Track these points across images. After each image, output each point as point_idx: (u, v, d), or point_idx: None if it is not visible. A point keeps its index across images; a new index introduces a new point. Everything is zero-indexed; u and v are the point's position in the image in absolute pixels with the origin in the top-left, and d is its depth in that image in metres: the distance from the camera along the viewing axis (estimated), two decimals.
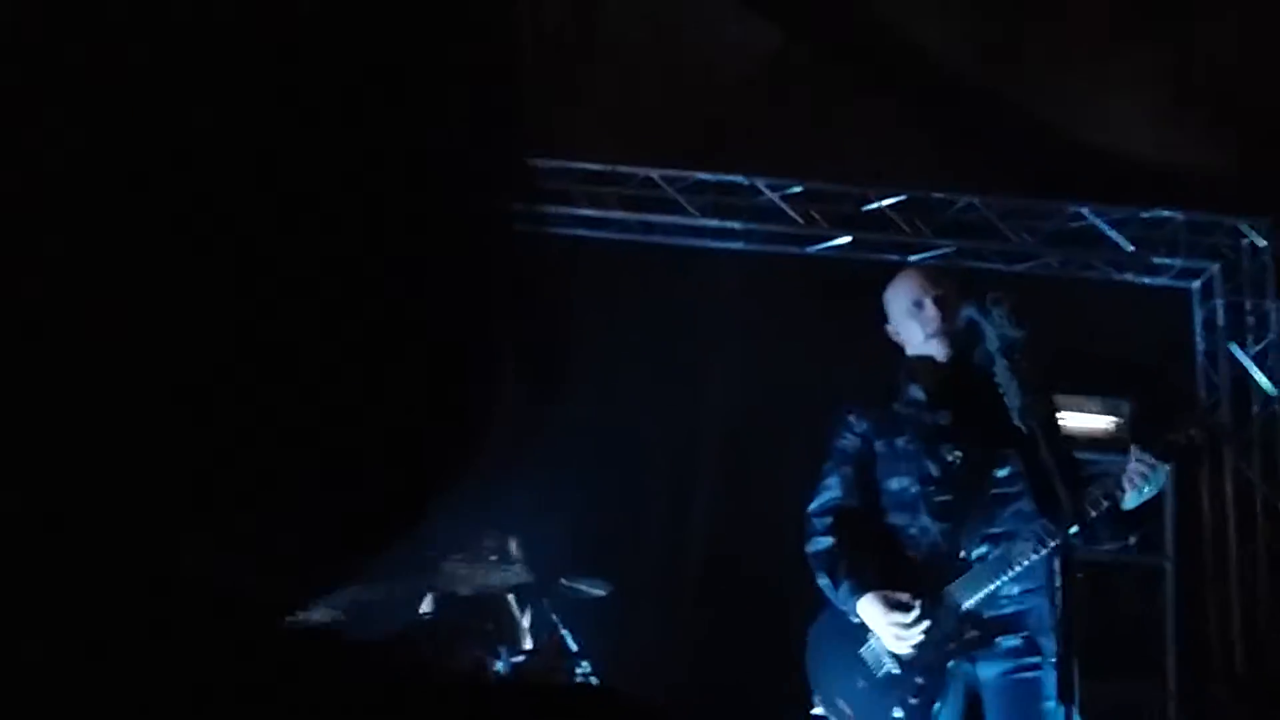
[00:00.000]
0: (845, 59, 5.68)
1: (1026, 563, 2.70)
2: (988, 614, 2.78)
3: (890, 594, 2.84)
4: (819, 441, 5.94)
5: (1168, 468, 2.60)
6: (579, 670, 4.72)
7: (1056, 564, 2.83)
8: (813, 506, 3.05)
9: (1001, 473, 2.80)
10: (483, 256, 0.39)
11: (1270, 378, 6.35)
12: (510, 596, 4.91)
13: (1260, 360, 6.42)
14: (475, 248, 0.39)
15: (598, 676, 4.74)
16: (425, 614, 4.82)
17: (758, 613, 5.86)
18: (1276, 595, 6.09)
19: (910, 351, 3.02)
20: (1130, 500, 2.61)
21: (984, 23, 5.44)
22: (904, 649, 2.77)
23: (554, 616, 4.77)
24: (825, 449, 3.06)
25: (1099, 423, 5.77)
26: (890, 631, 2.79)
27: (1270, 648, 6.03)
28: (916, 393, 2.96)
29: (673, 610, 6.01)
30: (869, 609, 2.86)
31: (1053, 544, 2.50)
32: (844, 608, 2.92)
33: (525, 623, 4.90)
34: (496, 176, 0.40)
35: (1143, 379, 6.17)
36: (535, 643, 4.79)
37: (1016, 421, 2.59)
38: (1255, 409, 6.39)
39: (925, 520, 2.84)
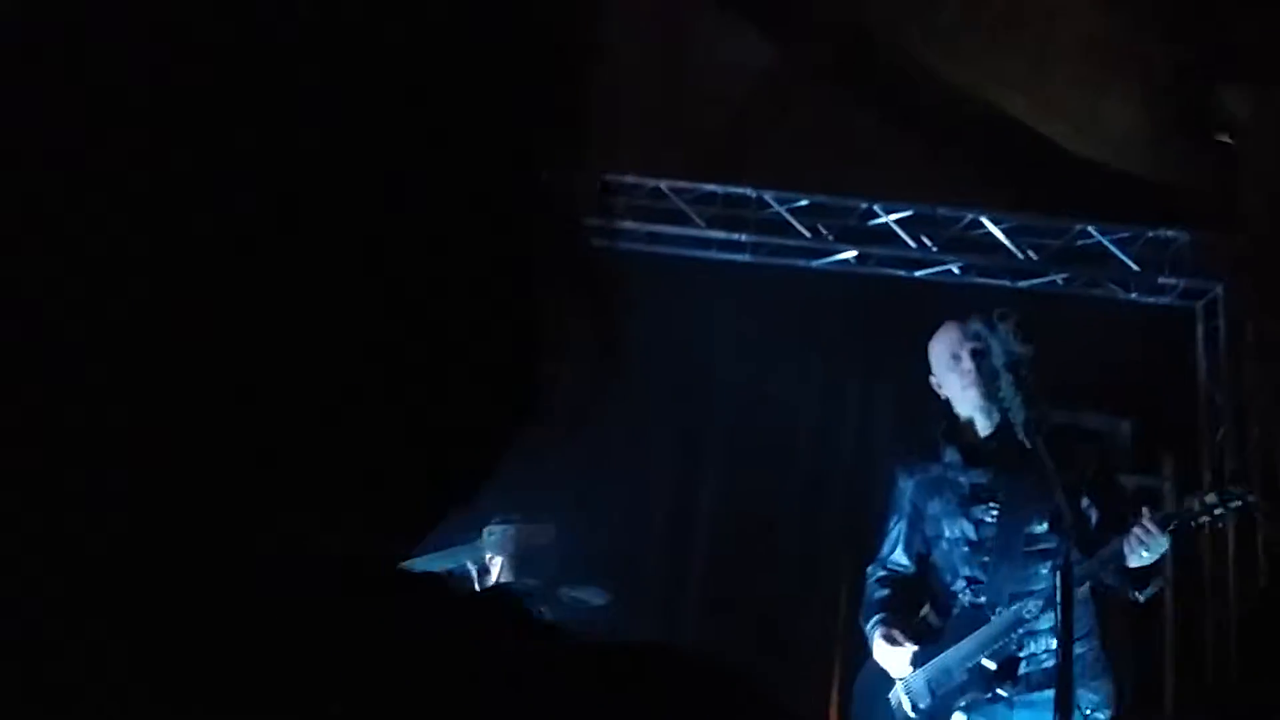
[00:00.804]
0: (852, 74, 5.72)
1: (1031, 618, 2.74)
2: (1026, 669, 2.80)
3: (892, 631, 2.92)
4: (821, 455, 6.01)
5: (1168, 537, 2.62)
6: None
7: (1089, 604, 2.87)
8: (873, 564, 3.13)
9: (1039, 529, 2.84)
10: (568, 265, 0.42)
11: (1273, 398, 6.36)
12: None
13: (1263, 380, 6.43)
14: (565, 259, 0.42)
15: None
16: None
17: (759, 624, 5.88)
18: (1273, 615, 6.10)
19: (952, 405, 3.05)
20: (1134, 561, 2.64)
21: (991, 40, 5.47)
22: (902, 673, 2.85)
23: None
24: (886, 503, 3.15)
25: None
26: (891, 665, 2.89)
27: (1266, 670, 6.04)
28: (953, 455, 3.01)
29: (673, 622, 6.01)
30: (877, 640, 2.95)
31: (1059, 601, 2.52)
32: (869, 644, 3.01)
33: None
34: (581, 196, 0.44)
35: (1144, 399, 6.19)
36: None
37: (1021, 437, 2.62)
38: (1256, 429, 6.41)
39: (962, 580, 2.91)
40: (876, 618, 3.01)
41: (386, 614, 0.37)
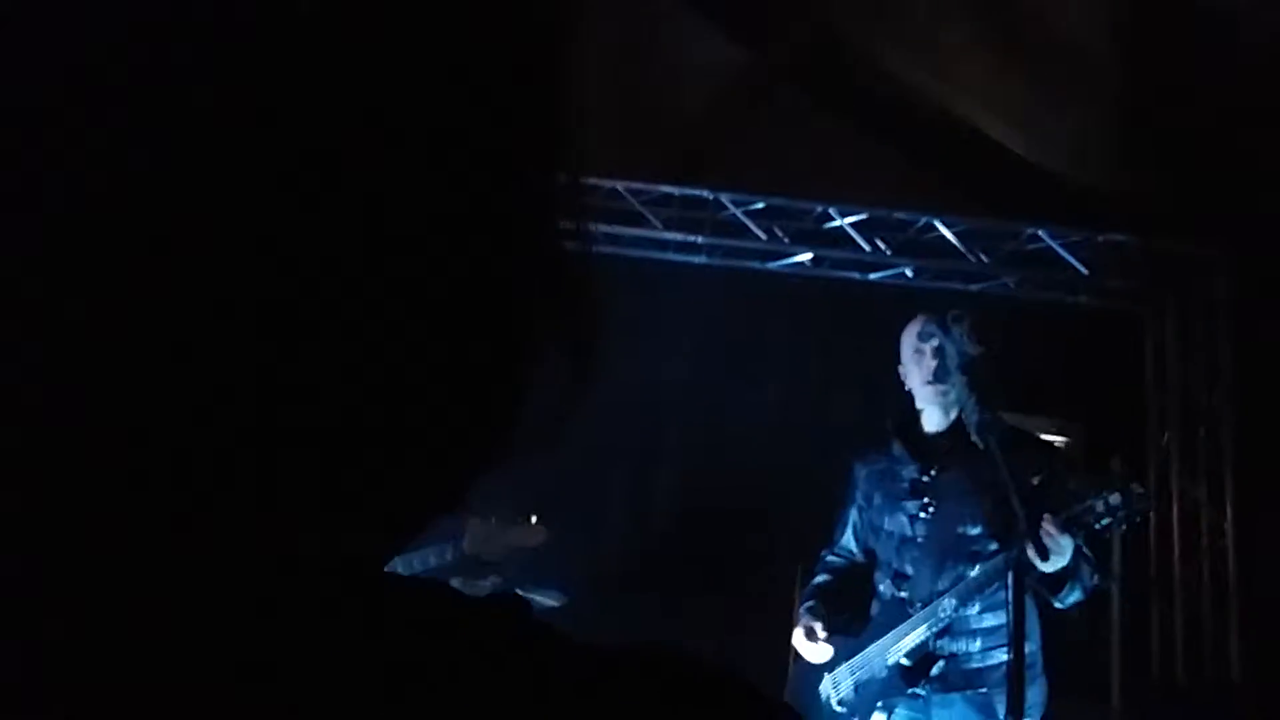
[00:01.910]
0: (810, 79, 5.76)
1: (946, 617, 2.73)
2: (947, 669, 2.79)
3: (811, 624, 2.94)
4: (777, 454, 6.04)
5: (1072, 541, 2.60)
6: None
7: (1032, 606, 2.88)
8: (826, 548, 3.14)
9: (972, 530, 2.82)
10: (547, 266, 0.43)
11: (1218, 400, 6.50)
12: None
13: (1208, 382, 6.56)
14: (542, 263, 0.43)
15: None
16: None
17: (716, 623, 5.90)
18: (1218, 612, 6.22)
19: (912, 395, 3.06)
20: (1043, 565, 2.62)
21: (952, 48, 5.54)
22: (817, 663, 2.89)
23: None
24: (843, 493, 3.15)
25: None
26: (808, 654, 2.91)
27: (1211, 662, 6.16)
28: (899, 448, 3.02)
29: (630, 621, 6.01)
30: (796, 632, 2.98)
31: (977, 594, 2.53)
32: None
33: None
34: (560, 196, 0.44)
35: (1092, 402, 6.29)
36: None
37: (974, 438, 2.64)
38: (1202, 431, 6.53)
39: (890, 574, 2.91)
40: (807, 604, 3.03)
41: (383, 614, 0.37)
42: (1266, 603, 5.98)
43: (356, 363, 0.38)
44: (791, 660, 3.16)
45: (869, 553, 3.07)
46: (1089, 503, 2.64)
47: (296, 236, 0.37)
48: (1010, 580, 2.54)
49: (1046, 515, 2.61)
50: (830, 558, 3.13)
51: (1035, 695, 2.81)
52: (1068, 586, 2.77)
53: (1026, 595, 2.85)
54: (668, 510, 6.23)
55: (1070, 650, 3.11)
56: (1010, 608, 2.51)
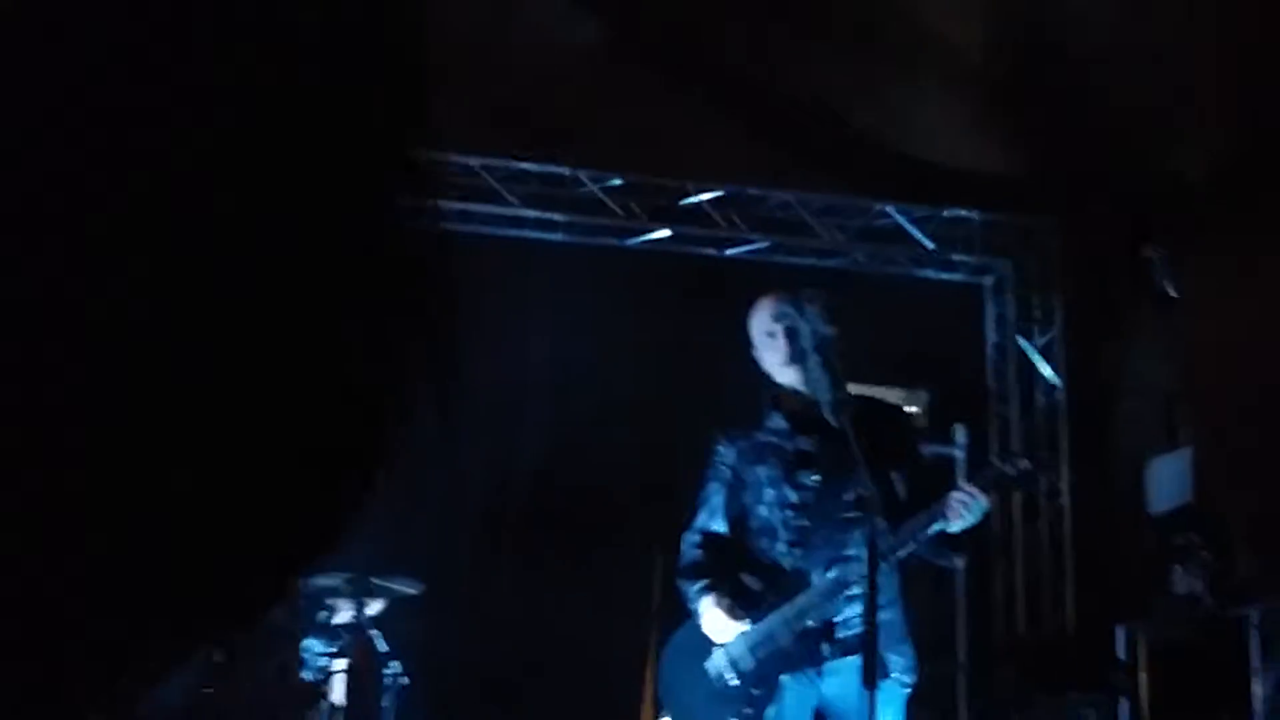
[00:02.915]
0: (668, 56, 5.78)
1: (854, 580, 2.77)
2: (841, 634, 2.83)
3: (726, 600, 2.91)
4: (637, 430, 6.08)
5: (986, 501, 2.69)
6: (388, 671, 4.65)
7: (894, 572, 2.95)
8: (688, 530, 3.10)
9: (850, 496, 2.87)
10: (385, 255, 0.39)
11: (1054, 369, 6.82)
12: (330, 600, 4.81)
13: (1045, 352, 6.88)
14: (379, 247, 0.39)
15: (408, 677, 4.68)
16: None
17: (575, 601, 5.92)
18: (1055, 571, 6.56)
19: (773, 377, 3.05)
20: (954, 526, 2.70)
21: (799, 28, 5.62)
22: (728, 640, 2.85)
23: (363, 616, 4.68)
24: (705, 472, 3.11)
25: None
26: (720, 634, 2.88)
27: (1048, 618, 6.50)
28: (778, 421, 3.02)
29: (485, 609, 5.98)
30: (708, 609, 2.93)
31: (881, 563, 2.58)
32: (693, 607, 2.98)
33: (340, 621, 4.80)
34: (404, 174, 0.40)
35: (938, 371, 6.52)
36: (346, 643, 4.69)
37: (828, 416, 2.69)
38: (1039, 397, 6.85)
39: (782, 545, 2.91)
40: (702, 582, 2.99)
41: None
42: (1098, 559, 6.32)
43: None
44: (653, 644, 3.16)
45: (736, 527, 3.07)
46: (1002, 467, 2.73)
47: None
48: (867, 552, 2.60)
49: (961, 479, 2.70)
50: (697, 537, 3.12)
51: (908, 655, 2.89)
52: (965, 547, 2.86)
53: (892, 560, 2.93)
54: (526, 492, 6.20)
55: (917, 609, 3.22)
56: (867, 579, 2.56)
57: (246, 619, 0.39)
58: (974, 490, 2.66)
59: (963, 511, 2.67)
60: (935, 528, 2.71)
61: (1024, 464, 2.72)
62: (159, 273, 0.34)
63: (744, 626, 2.88)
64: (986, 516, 2.83)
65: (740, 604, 2.91)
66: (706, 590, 2.96)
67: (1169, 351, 5.26)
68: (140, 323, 0.34)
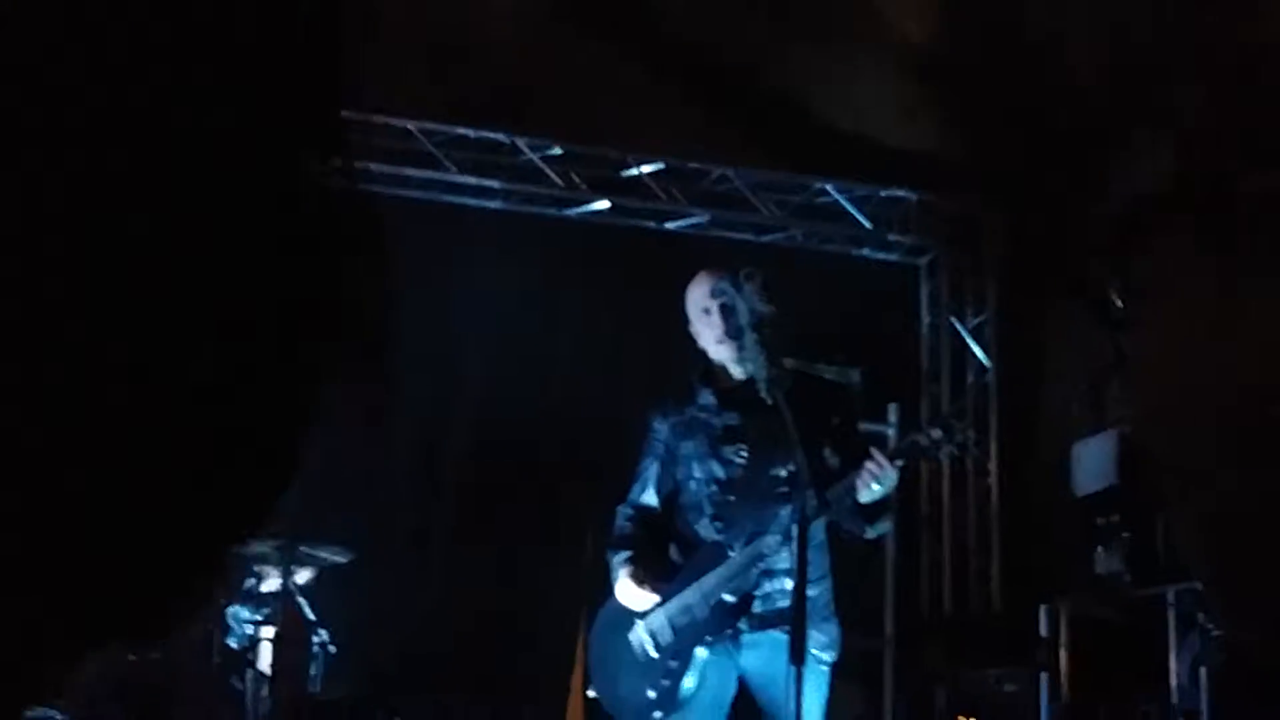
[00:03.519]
0: (610, 25, 5.72)
1: (770, 554, 2.78)
2: (759, 608, 2.84)
3: (641, 574, 2.91)
4: (573, 401, 6.05)
5: (896, 470, 2.69)
6: (316, 639, 4.60)
7: (825, 549, 2.96)
8: (622, 504, 3.09)
9: (781, 471, 2.87)
10: (299, 216, 0.38)
11: (985, 350, 6.91)
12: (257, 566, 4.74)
13: (977, 333, 6.97)
14: (291, 207, 0.38)
15: (336, 645, 4.64)
16: None
17: (508, 572, 5.90)
18: (981, 549, 6.67)
19: (708, 353, 3.05)
20: (865, 496, 2.71)
21: (744, 2, 5.60)
22: (652, 611, 2.86)
23: (291, 584, 4.62)
24: (640, 446, 3.10)
25: None
26: (632, 604, 2.89)
27: (974, 596, 6.61)
28: (708, 397, 3.02)
29: (416, 579, 5.94)
30: (623, 580, 2.94)
31: (795, 535, 2.58)
32: (613, 578, 2.99)
33: (268, 588, 4.74)
34: (316, 132, 0.39)
35: (872, 349, 6.57)
36: (273, 611, 4.64)
37: (763, 394, 2.69)
38: (970, 378, 6.94)
39: (707, 519, 2.91)
40: (624, 554, 3.00)
41: None
42: (1023, 538, 6.44)
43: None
44: (583, 619, 3.16)
45: (669, 503, 3.08)
46: (913, 437, 2.73)
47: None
48: (795, 530, 2.61)
49: (873, 448, 2.69)
50: (630, 511, 3.12)
51: (830, 633, 2.91)
52: (882, 519, 2.87)
53: (822, 537, 2.94)
54: (461, 462, 6.15)
55: (846, 585, 3.24)
56: (794, 555, 2.56)
57: (154, 612, 0.37)
58: (883, 461, 2.67)
59: (871, 482, 2.68)
60: (848, 497, 2.72)
61: (936, 433, 2.72)
62: (68, 252, 0.33)
63: (655, 597, 2.88)
64: (906, 489, 2.86)
65: (659, 576, 2.92)
66: (626, 562, 2.97)
67: (1116, 364, 5.33)
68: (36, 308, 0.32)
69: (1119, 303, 5.26)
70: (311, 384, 0.40)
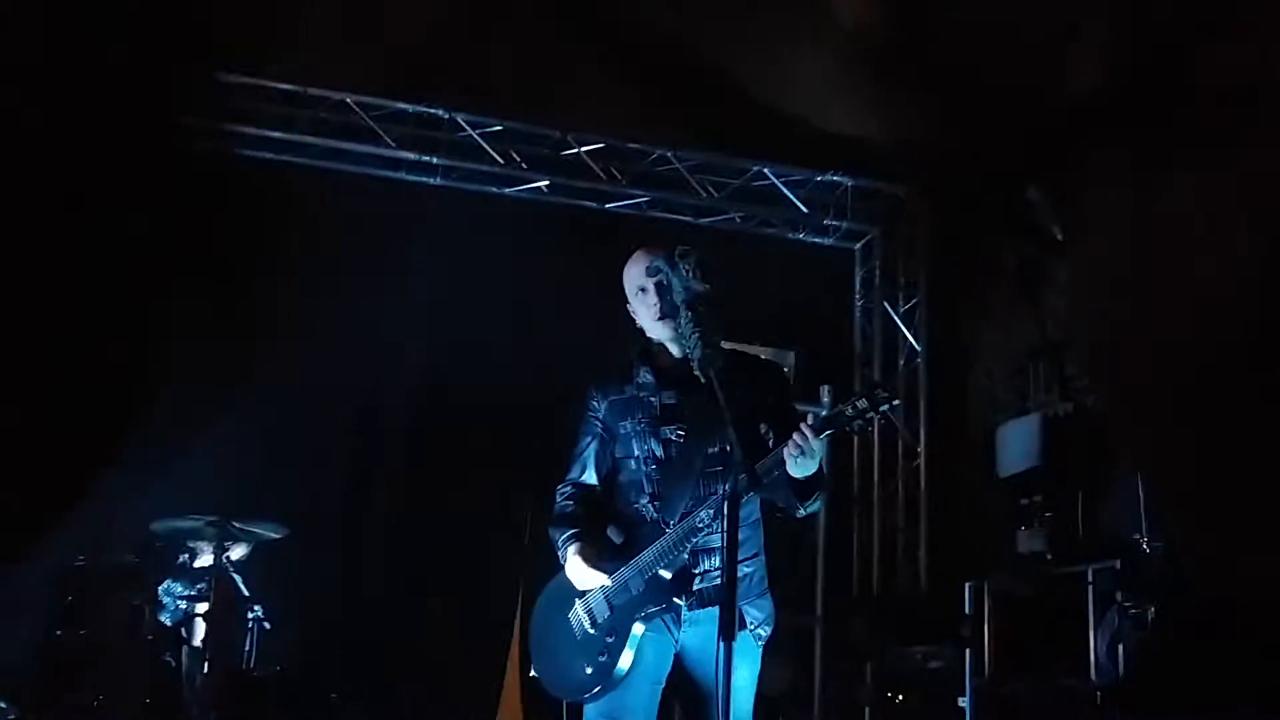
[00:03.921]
0: (554, 5, 5.70)
1: (703, 527, 2.79)
2: (699, 585, 2.86)
3: (589, 552, 2.92)
4: (511, 379, 6.05)
5: (822, 442, 2.71)
6: (251, 615, 4.58)
7: (758, 526, 2.99)
8: (560, 483, 3.10)
9: (715, 449, 2.89)
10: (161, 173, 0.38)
11: (916, 334, 7.03)
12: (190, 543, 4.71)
13: (909, 318, 7.08)
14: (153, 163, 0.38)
15: (269, 621, 4.62)
16: (78, 562, 4.53)
17: (445, 550, 5.90)
18: (910, 529, 6.80)
19: (646, 331, 3.05)
20: (795, 469, 2.74)
21: None
22: (591, 589, 2.87)
23: (224, 559, 4.59)
24: (578, 425, 3.10)
25: None
26: (581, 582, 2.90)
27: (902, 574, 6.74)
28: (646, 375, 3.02)
29: (355, 552, 5.92)
30: (571, 558, 2.95)
31: (726, 509, 2.60)
32: (560, 557, 3.00)
33: (201, 564, 4.70)
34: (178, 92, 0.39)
35: (807, 332, 6.65)
36: (206, 588, 4.61)
37: (696, 372, 2.72)
38: (901, 361, 7.06)
39: (645, 497, 2.93)
40: (570, 532, 3.00)
41: None
42: (952, 517, 6.58)
43: None
44: (521, 596, 3.17)
45: (607, 481, 3.09)
46: (839, 408, 2.75)
47: None
48: (725, 508, 2.63)
49: (802, 423, 2.71)
50: (570, 489, 3.14)
51: (765, 609, 2.95)
52: (814, 496, 2.90)
53: (756, 514, 2.98)
54: (395, 438, 6.13)
55: (778, 564, 3.30)
56: (724, 534, 2.59)
57: None
58: (809, 434, 2.70)
59: (797, 454, 2.71)
60: (777, 469, 2.76)
61: (860, 402, 2.75)
62: None
63: (604, 577, 2.91)
64: (836, 470, 2.90)
65: (603, 555, 2.94)
66: (571, 539, 2.99)
67: (1053, 300, 5.40)
68: None
69: (1058, 234, 5.32)
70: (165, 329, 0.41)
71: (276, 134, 6.13)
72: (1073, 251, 5.35)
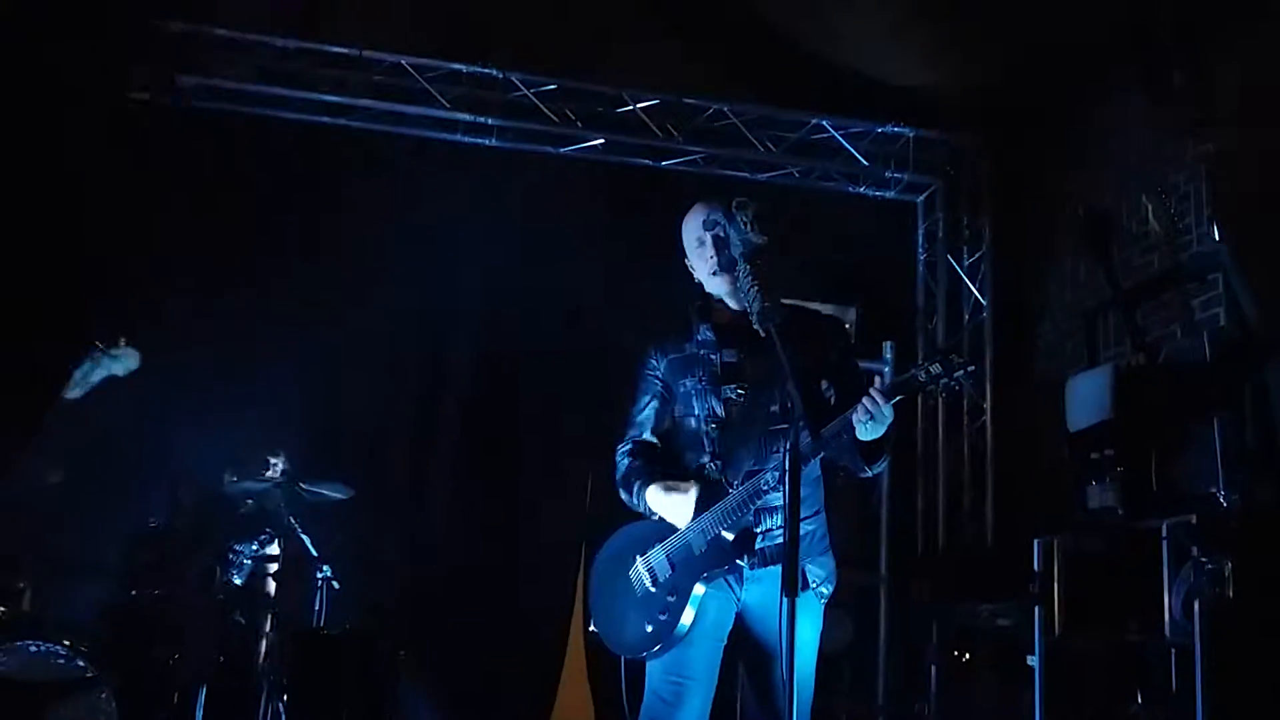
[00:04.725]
0: None
1: (768, 490, 2.75)
2: (761, 544, 2.83)
3: (670, 483, 2.89)
4: (570, 339, 6.04)
5: (891, 406, 2.65)
6: (320, 575, 4.65)
7: (819, 484, 2.95)
8: (620, 442, 3.07)
9: (774, 407, 2.84)
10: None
11: (980, 287, 6.89)
12: (260, 504, 4.79)
13: (973, 271, 6.95)
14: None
15: (338, 581, 4.68)
16: (153, 524, 4.62)
17: (506, 513, 5.93)
18: (975, 485, 6.71)
19: (704, 286, 3.01)
20: (863, 434, 2.68)
21: None
22: (683, 522, 2.85)
23: (293, 520, 4.66)
24: (637, 384, 3.07)
25: None
26: (670, 513, 2.87)
27: (967, 531, 6.66)
28: (706, 333, 2.99)
29: (418, 514, 5.97)
30: (654, 498, 2.92)
31: (803, 475, 2.56)
32: (639, 506, 2.98)
33: (270, 525, 4.78)
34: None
35: (868, 287, 6.56)
36: (277, 548, 4.69)
37: (755, 325, 2.67)
38: (966, 315, 6.94)
39: (706, 456, 2.90)
40: (639, 482, 2.98)
41: None
42: (1019, 473, 6.47)
43: None
44: (583, 555, 3.14)
45: (667, 439, 3.06)
46: (911, 373, 2.69)
47: None
48: (787, 462, 2.59)
49: (872, 388, 2.66)
50: (629, 446, 3.11)
51: (827, 566, 2.92)
52: (881, 457, 2.86)
53: (816, 471, 2.93)
54: (455, 399, 6.16)
55: (841, 521, 3.25)
56: (786, 489, 2.55)
57: None
58: (879, 398, 2.64)
59: (866, 419, 2.65)
60: (846, 434, 2.70)
61: (934, 368, 2.67)
62: None
63: (691, 496, 2.86)
64: (901, 426, 2.82)
65: (690, 480, 2.90)
66: (645, 485, 2.96)
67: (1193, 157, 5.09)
68: None
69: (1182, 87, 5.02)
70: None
71: (331, 98, 6.15)
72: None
